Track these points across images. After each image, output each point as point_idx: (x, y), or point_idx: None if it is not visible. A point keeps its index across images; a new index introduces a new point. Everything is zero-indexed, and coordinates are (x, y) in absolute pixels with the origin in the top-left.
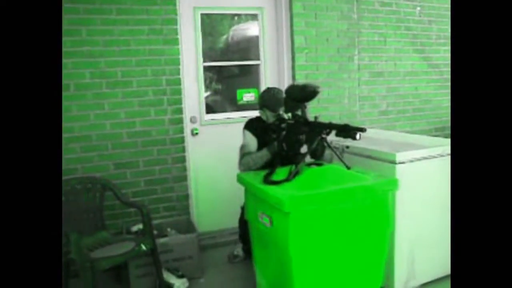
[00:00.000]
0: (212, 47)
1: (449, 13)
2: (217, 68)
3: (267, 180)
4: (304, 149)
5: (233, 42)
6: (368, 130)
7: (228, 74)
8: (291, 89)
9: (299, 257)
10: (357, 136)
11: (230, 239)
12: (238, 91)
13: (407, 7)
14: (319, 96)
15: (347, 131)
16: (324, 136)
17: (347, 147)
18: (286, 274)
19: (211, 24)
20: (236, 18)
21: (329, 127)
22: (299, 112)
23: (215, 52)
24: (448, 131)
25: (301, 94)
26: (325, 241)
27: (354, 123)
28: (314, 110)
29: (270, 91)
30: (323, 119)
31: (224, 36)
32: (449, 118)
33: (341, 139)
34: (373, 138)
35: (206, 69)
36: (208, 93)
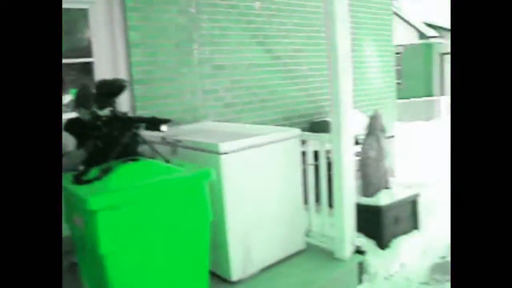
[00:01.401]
0: None
1: (289, 7)
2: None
3: (78, 180)
4: None
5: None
6: (208, 123)
7: (67, 75)
8: (100, 85)
9: (113, 256)
10: (163, 128)
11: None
12: (72, 91)
13: (247, 1)
14: (159, 92)
15: (153, 123)
16: (135, 130)
17: (179, 141)
18: (103, 275)
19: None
20: None
21: (139, 120)
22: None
23: None
24: (295, 120)
25: (110, 89)
26: (141, 237)
27: (197, 117)
28: (155, 106)
29: (82, 89)
30: (165, 115)
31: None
32: (295, 107)
33: (174, 133)
34: (210, 130)
35: None
36: None
